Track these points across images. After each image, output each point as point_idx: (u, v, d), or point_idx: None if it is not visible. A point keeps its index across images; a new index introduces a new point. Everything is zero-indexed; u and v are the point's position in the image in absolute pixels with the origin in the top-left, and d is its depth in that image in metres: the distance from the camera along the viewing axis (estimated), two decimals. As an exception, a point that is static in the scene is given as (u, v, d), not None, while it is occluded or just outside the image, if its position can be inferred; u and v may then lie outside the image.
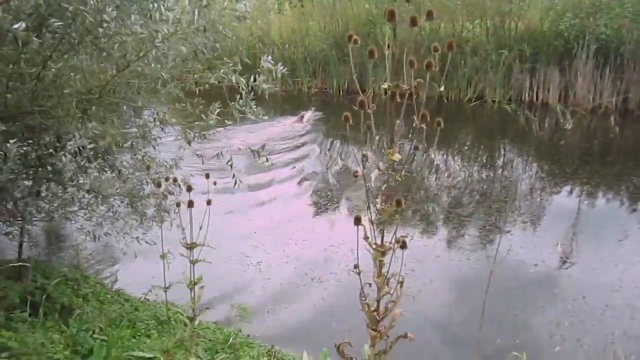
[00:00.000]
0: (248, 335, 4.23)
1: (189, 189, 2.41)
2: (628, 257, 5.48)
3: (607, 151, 9.57)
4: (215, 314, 4.51)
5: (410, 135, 1.44)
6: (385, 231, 1.53)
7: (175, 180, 2.83)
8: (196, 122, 3.60)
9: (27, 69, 2.98)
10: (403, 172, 1.45)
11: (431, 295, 4.96)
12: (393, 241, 1.51)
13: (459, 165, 8.93)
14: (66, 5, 2.71)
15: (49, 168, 3.52)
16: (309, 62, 14.43)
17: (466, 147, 10.17)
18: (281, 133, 10.78)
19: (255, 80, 3.35)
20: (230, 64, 3.40)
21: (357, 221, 1.49)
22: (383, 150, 1.41)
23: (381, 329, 1.61)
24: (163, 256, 2.64)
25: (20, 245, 4.01)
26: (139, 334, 3.61)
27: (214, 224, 2.48)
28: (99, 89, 3.14)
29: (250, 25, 12.74)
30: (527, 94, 12.06)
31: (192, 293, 2.52)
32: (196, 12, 3.01)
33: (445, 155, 9.39)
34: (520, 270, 5.30)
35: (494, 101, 12.14)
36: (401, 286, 1.57)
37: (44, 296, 3.49)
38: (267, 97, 3.41)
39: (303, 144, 10.15)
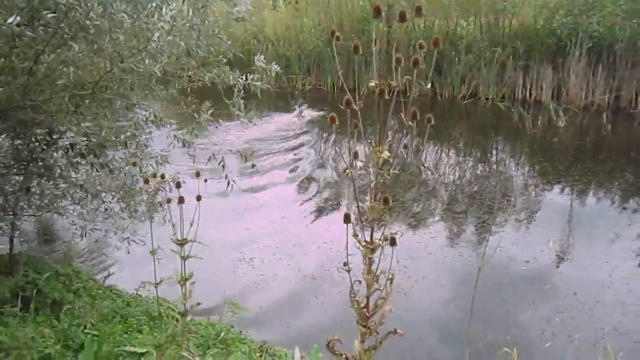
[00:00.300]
0: (240, 332, 4.25)
1: (178, 185, 2.41)
2: (619, 254, 5.53)
3: (599, 148, 9.63)
4: (207, 311, 4.51)
5: (398, 134, 1.44)
6: (374, 228, 1.53)
7: (163, 176, 2.83)
8: (189, 126, 3.61)
9: (19, 63, 2.96)
10: (391, 170, 1.45)
11: (424, 292, 4.99)
12: (382, 238, 1.51)
13: (452, 163, 8.96)
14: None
15: (40, 163, 3.50)
16: (303, 59, 14.42)
17: (460, 145, 10.20)
18: (277, 130, 10.80)
19: (247, 78, 3.34)
20: (224, 61, 3.39)
21: (347, 219, 1.49)
22: (372, 148, 1.41)
23: (371, 325, 1.62)
24: (153, 252, 2.64)
25: (11, 240, 3.99)
26: (130, 329, 3.61)
27: (207, 221, 2.49)
28: (92, 84, 3.13)
29: (245, 22, 12.71)
30: (520, 92, 12.11)
31: (184, 289, 2.53)
32: (191, 12, 2.99)
33: (438, 153, 9.41)
34: (511, 266, 5.33)
35: (487, 98, 12.17)
36: (391, 283, 1.58)
37: (35, 291, 3.49)
38: (259, 95, 3.42)
39: (300, 142, 10.16)
